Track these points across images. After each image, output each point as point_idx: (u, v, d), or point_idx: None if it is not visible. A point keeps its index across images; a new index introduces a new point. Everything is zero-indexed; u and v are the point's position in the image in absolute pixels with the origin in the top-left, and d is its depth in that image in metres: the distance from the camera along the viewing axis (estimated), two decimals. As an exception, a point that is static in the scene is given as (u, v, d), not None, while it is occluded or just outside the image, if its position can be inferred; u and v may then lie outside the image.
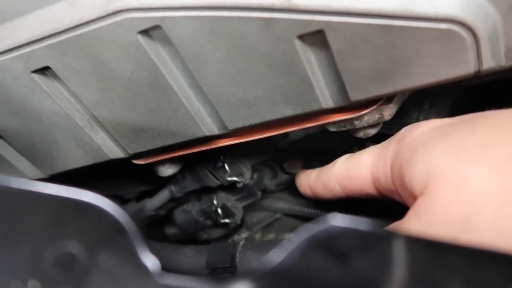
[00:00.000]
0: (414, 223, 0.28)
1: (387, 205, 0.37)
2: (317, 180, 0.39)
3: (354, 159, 0.36)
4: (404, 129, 0.34)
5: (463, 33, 0.28)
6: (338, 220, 0.18)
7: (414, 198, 0.29)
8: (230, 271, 0.50)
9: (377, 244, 0.17)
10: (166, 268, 0.18)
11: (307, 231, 0.17)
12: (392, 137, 0.35)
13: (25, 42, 0.34)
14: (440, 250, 0.18)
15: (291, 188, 0.58)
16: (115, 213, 0.18)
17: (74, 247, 0.17)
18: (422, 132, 0.32)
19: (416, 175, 0.29)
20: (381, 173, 0.34)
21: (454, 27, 0.28)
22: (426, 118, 0.41)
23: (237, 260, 0.51)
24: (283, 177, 0.56)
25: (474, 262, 0.17)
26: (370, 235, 0.18)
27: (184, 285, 0.16)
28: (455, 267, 0.17)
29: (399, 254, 0.17)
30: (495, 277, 0.17)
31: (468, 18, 0.28)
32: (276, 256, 0.17)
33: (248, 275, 0.16)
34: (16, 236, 0.17)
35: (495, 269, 0.17)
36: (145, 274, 0.17)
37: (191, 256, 0.55)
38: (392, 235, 0.18)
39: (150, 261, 0.17)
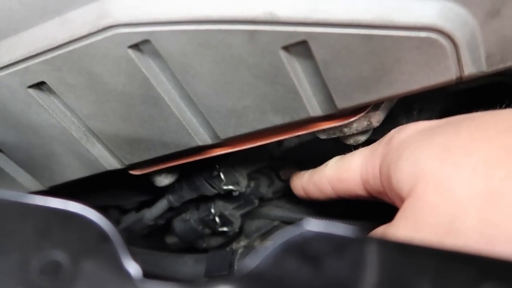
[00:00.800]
0: (402, 226, 0.28)
1: (382, 207, 0.37)
2: (309, 182, 0.40)
3: (344, 161, 0.37)
4: (393, 131, 0.35)
5: (442, 40, 0.29)
6: (313, 225, 0.18)
7: (402, 200, 0.30)
8: (228, 278, 0.51)
9: (350, 248, 0.18)
10: (149, 274, 0.18)
11: (282, 236, 0.18)
12: (382, 139, 0.35)
13: (20, 58, 0.35)
14: (410, 253, 0.18)
15: (288, 195, 0.59)
16: (100, 222, 0.19)
17: (59, 256, 0.18)
18: (409, 134, 0.33)
19: (402, 177, 0.29)
20: (370, 175, 0.34)
21: (433, 35, 0.29)
22: (416, 123, 0.42)
23: (235, 268, 0.52)
24: (279, 184, 0.57)
25: (444, 263, 0.18)
26: (343, 240, 0.18)
27: (164, 291, 0.17)
28: (424, 269, 0.18)
29: (371, 257, 0.18)
30: (465, 278, 0.18)
31: (446, 26, 0.29)
32: (252, 261, 0.17)
33: (224, 279, 0.17)
34: (3, 246, 0.18)
35: (465, 270, 0.18)
36: (128, 280, 0.18)
37: (190, 264, 0.56)
38: (364, 239, 0.18)
39: (133, 268, 0.18)
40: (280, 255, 0.17)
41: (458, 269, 0.18)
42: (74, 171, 0.45)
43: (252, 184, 0.55)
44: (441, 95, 0.42)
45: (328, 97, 0.34)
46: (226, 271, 0.51)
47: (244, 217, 0.58)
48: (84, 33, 0.32)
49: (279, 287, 0.17)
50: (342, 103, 0.34)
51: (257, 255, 0.18)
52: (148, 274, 0.18)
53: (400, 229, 0.28)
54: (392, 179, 0.30)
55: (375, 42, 0.30)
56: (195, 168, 0.50)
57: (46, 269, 0.18)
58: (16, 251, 0.18)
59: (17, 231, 0.18)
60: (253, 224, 0.61)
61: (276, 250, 0.18)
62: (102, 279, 0.18)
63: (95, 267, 0.18)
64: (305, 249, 0.18)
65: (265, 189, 0.56)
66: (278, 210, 0.58)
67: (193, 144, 0.40)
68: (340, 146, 0.48)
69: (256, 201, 0.56)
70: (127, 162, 0.43)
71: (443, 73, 0.31)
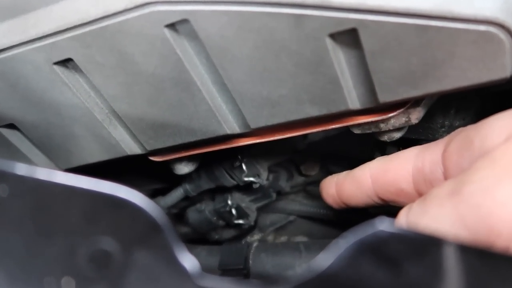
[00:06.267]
0: (484, 171, 0.24)
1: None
2: (347, 176, 0.37)
3: (395, 154, 0.35)
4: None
5: (502, 35, 0.28)
6: (386, 224, 0.17)
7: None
8: (243, 272, 0.49)
9: (428, 250, 0.16)
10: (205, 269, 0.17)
11: (355, 235, 0.17)
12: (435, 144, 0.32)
13: (48, 33, 0.33)
14: (493, 259, 0.17)
15: (305, 190, 0.58)
16: (151, 210, 0.18)
17: (108, 244, 0.17)
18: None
19: (494, 130, 0.26)
20: (428, 161, 0.31)
21: (492, 29, 0.27)
22: (452, 123, 0.40)
23: (250, 262, 0.51)
24: (298, 179, 0.56)
25: (529, 273, 0.16)
26: (420, 241, 0.17)
27: (226, 288, 0.16)
28: (507, 278, 0.16)
29: (451, 261, 0.16)
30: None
31: (508, 21, 0.27)
32: (324, 260, 0.16)
33: (295, 279, 0.15)
34: (49, 231, 0.17)
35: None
36: (184, 275, 0.16)
37: (203, 256, 0.54)
38: (443, 241, 0.17)
39: (189, 261, 0.16)
40: (354, 256, 0.16)
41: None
42: (93, 154, 0.43)
43: (271, 177, 0.53)
44: (479, 94, 0.40)
45: (370, 89, 0.33)
46: (241, 264, 0.50)
47: (259, 210, 0.57)
48: (119, 9, 0.31)
49: (354, 290, 0.16)
50: (385, 97, 0.33)
51: (329, 255, 0.16)
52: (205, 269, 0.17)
53: (480, 174, 0.24)
54: (474, 140, 0.27)
55: (429, 34, 0.28)
56: (216, 157, 0.49)
57: (95, 258, 0.16)
58: (63, 236, 0.16)
59: (63, 215, 0.17)
60: (268, 218, 0.60)
61: (350, 250, 0.16)
62: (156, 272, 0.16)
63: (148, 258, 0.17)
64: (381, 251, 0.16)
65: (284, 183, 0.54)
66: (295, 204, 0.57)
67: (220, 132, 0.38)
68: (366, 143, 0.47)
69: (274, 195, 0.55)
70: (149, 148, 0.42)
71: (497, 70, 0.29)
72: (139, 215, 0.17)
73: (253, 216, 0.55)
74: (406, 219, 0.26)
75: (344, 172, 0.38)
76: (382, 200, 0.35)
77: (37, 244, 0.16)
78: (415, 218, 0.26)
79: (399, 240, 0.16)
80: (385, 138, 0.38)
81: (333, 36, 0.30)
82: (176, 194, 0.54)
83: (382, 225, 0.17)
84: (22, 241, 0.16)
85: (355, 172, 0.36)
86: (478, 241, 0.21)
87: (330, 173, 0.51)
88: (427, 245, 0.17)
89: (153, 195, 0.58)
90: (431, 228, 0.24)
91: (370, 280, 0.16)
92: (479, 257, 0.17)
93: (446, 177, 0.29)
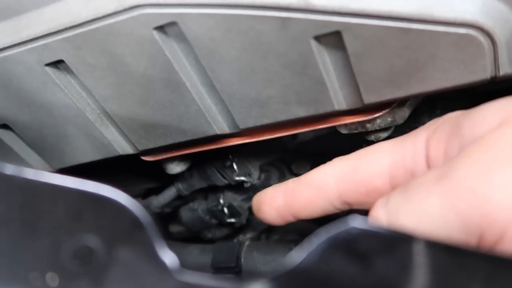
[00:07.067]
0: (479, 153, 0.22)
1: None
2: (298, 182, 0.32)
3: (362, 150, 0.31)
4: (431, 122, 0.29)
5: (481, 38, 0.28)
6: (359, 221, 0.18)
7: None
8: (235, 271, 0.50)
9: (398, 247, 0.17)
10: (185, 265, 0.17)
11: (327, 232, 0.17)
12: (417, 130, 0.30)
13: (40, 34, 0.34)
14: (461, 255, 0.17)
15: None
16: (133, 208, 0.18)
17: (92, 241, 0.17)
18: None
19: (485, 118, 0.25)
20: (409, 151, 0.28)
21: (472, 32, 0.28)
22: (438, 123, 0.41)
23: (242, 260, 0.51)
24: (290, 178, 0.56)
25: (496, 269, 0.17)
26: (391, 238, 0.17)
27: (204, 283, 0.16)
28: (476, 273, 0.17)
29: (420, 257, 0.17)
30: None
31: (487, 23, 0.28)
32: (296, 256, 0.16)
33: (268, 274, 0.16)
34: (34, 228, 0.17)
35: (516, 276, 0.17)
36: (164, 270, 0.17)
37: (195, 254, 0.55)
38: (413, 238, 0.17)
39: (169, 257, 0.17)
40: (326, 252, 0.17)
41: (510, 276, 0.17)
42: (86, 154, 0.44)
43: (263, 176, 0.54)
44: (465, 95, 0.41)
45: (355, 90, 0.34)
46: (233, 263, 0.51)
47: (251, 209, 0.58)
48: (109, 11, 0.31)
49: (325, 284, 0.16)
50: (370, 98, 0.33)
51: (301, 251, 0.17)
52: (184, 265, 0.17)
53: (473, 158, 0.22)
54: (463, 127, 0.25)
55: (411, 36, 0.29)
56: (208, 157, 0.50)
57: (78, 255, 0.17)
58: (48, 233, 0.17)
59: (49, 213, 0.18)
60: (260, 217, 0.60)
61: (322, 246, 0.17)
62: (137, 268, 0.17)
63: (129, 255, 0.17)
64: (352, 247, 0.17)
65: (275, 182, 0.55)
66: (286, 204, 0.57)
67: (210, 133, 0.39)
68: (355, 143, 0.48)
69: (266, 194, 0.56)
70: (141, 148, 0.42)
71: (478, 72, 0.30)
72: (122, 213, 0.18)
73: (245, 215, 0.55)
74: (385, 211, 0.24)
75: (290, 180, 0.33)
76: (346, 203, 0.31)
77: (23, 241, 0.17)
78: (396, 207, 0.24)
79: (370, 237, 0.17)
80: (372, 138, 0.39)
81: (318, 38, 0.31)
82: (169, 193, 0.54)
83: (355, 222, 0.17)
84: (8, 238, 0.17)
85: (311, 176, 0.32)
86: (469, 228, 0.20)
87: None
88: (397, 242, 0.17)
89: (146, 194, 0.59)
90: (416, 216, 0.22)
91: (341, 275, 0.16)
92: (448, 254, 0.18)
93: (430, 166, 0.27)
